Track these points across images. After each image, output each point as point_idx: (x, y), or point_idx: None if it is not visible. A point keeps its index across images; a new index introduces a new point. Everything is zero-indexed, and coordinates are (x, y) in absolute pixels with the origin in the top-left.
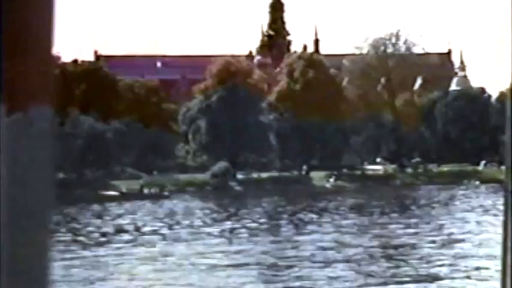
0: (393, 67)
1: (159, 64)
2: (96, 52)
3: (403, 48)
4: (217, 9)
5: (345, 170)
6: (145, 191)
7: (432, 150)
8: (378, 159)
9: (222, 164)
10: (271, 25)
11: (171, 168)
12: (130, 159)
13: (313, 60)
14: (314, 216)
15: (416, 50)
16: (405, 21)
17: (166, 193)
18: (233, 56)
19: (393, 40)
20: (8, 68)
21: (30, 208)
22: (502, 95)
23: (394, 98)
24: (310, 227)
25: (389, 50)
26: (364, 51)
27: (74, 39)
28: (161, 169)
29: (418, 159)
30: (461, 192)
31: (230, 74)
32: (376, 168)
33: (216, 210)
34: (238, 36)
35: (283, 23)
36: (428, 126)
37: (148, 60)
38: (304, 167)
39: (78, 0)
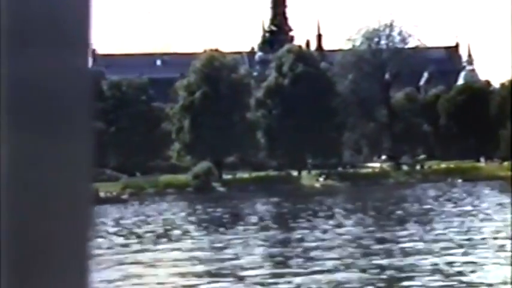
0: (387, 60)
1: (158, 62)
2: (94, 51)
3: (397, 40)
4: (220, 6)
5: (340, 169)
6: (102, 194)
7: (435, 146)
8: (383, 157)
9: (204, 164)
10: (273, 21)
11: (162, 168)
12: (117, 159)
13: (302, 54)
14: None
15: (412, 41)
16: (410, 14)
17: (124, 196)
18: (217, 51)
19: (387, 31)
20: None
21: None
22: (503, 88)
23: (388, 93)
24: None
25: (383, 41)
26: (357, 43)
27: None
28: (150, 170)
29: (423, 156)
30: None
31: (214, 69)
32: (373, 165)
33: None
34: (241, 33)
35: (285, 18)
36: (431, 122)
37: (148, 58)
38: (309, 165)
39: None
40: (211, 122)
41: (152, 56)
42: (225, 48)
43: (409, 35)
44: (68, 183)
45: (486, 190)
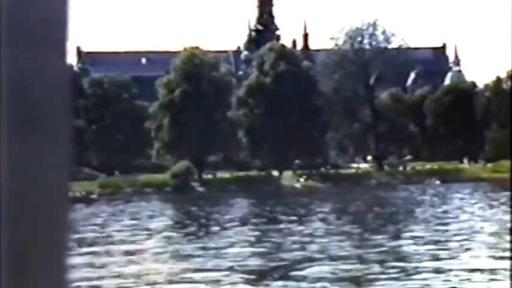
0: (370, 60)
1: (144, 60)
2: (78, 48)
3: (380, 39)
4: (206, 4)
5: (322, 169)
6: (70, 193)
7: (422, 147)
8: (369, 157)
9: (182, 164)
10: (259, 20)
11: (144, 168)
12: (98, 158)
13: (285, 53)
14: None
15: (396, 40)
16: (397, 14)
17: (94, 196)
18: (198, 48)
19: (370, 30)
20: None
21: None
22: (486, 88)
23: (372, 93)
24: None
25: (366, 40)
26: (340, 42)
27: None
28: (132, 169)
29: (409, 156)
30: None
31: (194, 66)
32: (357, 166)
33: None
34: (228, 32)
35: (271, 17)
36: (417, 123)
37: (133, 56)
38: (294, 166)
39: None
40: (192, 121)
41: (138, 54)
42: (211, 47)
43: (393, 34)
44: (46, 182)
45: (455, 193)
